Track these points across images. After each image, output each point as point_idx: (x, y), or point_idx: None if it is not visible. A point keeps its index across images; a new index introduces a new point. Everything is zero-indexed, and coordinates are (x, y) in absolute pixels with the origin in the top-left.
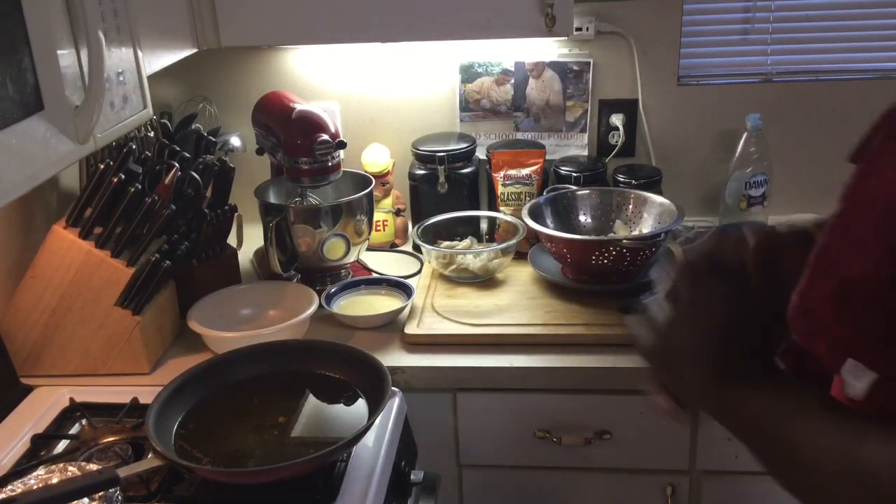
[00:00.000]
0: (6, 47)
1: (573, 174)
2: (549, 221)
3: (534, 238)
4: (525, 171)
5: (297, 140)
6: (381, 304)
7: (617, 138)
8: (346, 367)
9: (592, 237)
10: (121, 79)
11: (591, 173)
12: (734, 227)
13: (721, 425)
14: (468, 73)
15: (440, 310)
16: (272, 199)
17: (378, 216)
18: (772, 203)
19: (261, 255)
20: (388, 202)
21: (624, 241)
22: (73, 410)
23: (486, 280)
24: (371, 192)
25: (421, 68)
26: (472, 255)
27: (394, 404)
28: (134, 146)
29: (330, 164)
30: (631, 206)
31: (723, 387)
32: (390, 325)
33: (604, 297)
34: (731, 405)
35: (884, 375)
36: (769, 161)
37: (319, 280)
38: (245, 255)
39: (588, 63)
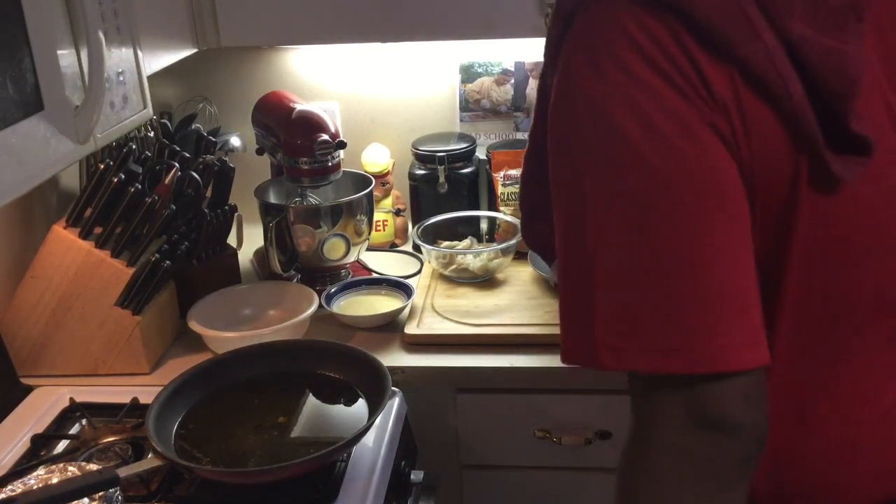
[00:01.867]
0: (6, 47)
1: None
2: None
3: None
4: None
5: (297, 140)
6: (381, 304)
7: None
8: (346, 367)
9: None
10: (121, 79)
11: None
12: None
13: None
14: (468, 73)
15: (440, 310)
16: (272, 199)
17: (378, 216)
18: None
19: (261, 255)
20: (388, 202)
21: None
22: (73, 410)
23: (486, 280)
24: (371, 192)
25: (421, 68)
26: (472, 255)
27: (394, 404)
28: (134, 146)
29: (330, 164)
30: None
31: None
32: (390, 325)
33: None
34: None
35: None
36: None
37: (319, 280)
38: (245, 255)
39: None
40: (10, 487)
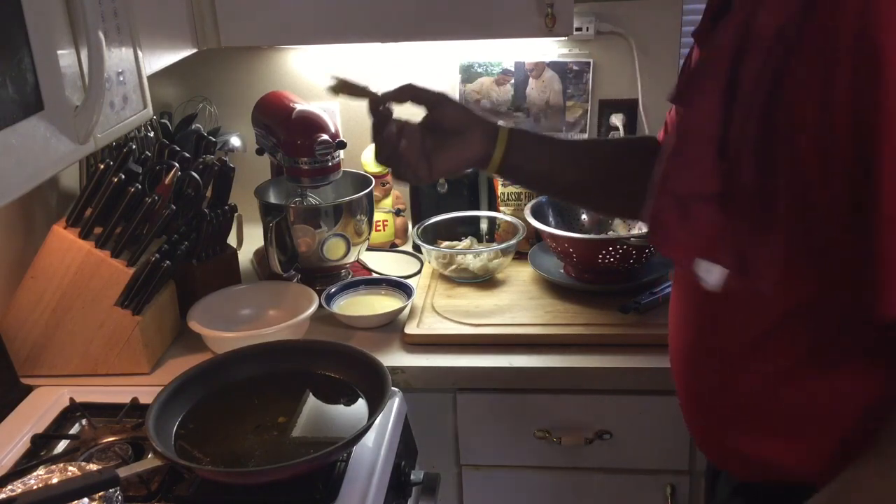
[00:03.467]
0: (6, 47)
1: None
2: (551, 221)
3: (534, 238)
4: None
5: (297, 140)
6: (381, 304)
7: None
8: (346, 367)
9: (600, 236)
10: (121, 79)
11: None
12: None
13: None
14: (468, 73)
15: (440, 310)
16: (272, 199)
17: (378, 216)
18: None
19: (261, 255)
20: (388, 202)
21: (631, 239)
22: (73, 410)
23: (486, 280)
24: (371, 192)
25: (421, 68)
26: (472, 255)
27: (394, 404)
28: (134, 146)
29: (330, 164)
30: None
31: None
32: (390, 325)
33: (604, 297)
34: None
35: (730, 267)
36: None
37: (319, 280)
38: (245, 255)
39: (588, 63)
40: (10, 487)
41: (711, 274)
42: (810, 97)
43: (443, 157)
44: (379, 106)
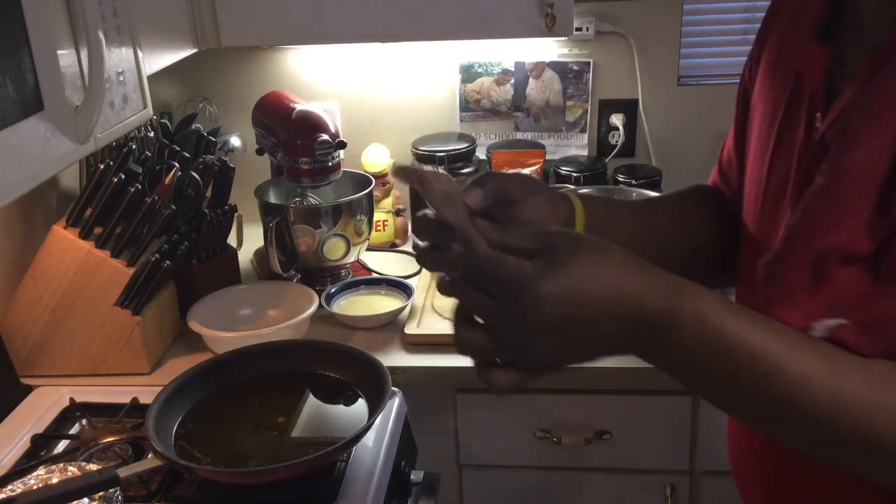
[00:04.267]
0: (6, 47)
1: (573, 174)
2: None
3: None
4: (525, 172)
5: (297, 140)
6: (380, 304)
7: (617, 138)
8: (346, 367)
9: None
10: (121, 79)
11: (591, 173)
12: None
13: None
14: (468, 73)
15: (440, 310)
16: (272, 199)
17: (378, 216)
18: None
19: (261, 255)
20: (388, 202)
21: None
22: (73, 410)
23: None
24: (371, 192)
25: (421, 68)
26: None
27: (394, 404)
28: (134, 146)
29: (330, 164)
30: None
31: (684, 297)
32: (390, 325)
33: None
34: (711, 323)
35: (853, 322)
36: None
37: (319, 280)
38: (245, 255)
39: (588, 63)
40: (10, 487)
41: (825, 325)
42: None
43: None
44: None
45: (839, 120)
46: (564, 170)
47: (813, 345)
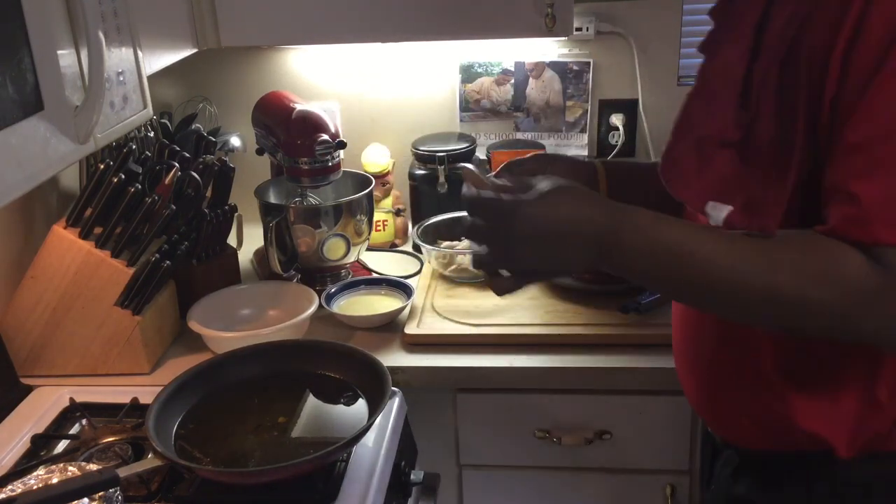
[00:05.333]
0: (6, 47)
1: None
2: None
3: None
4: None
5: (297, 140)
6: (381, 304)
7: (617, 138)
8: (346, 367)
9: None
10: (121, 79)
11: None
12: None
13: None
14: (468, 73)
15: (440, 310)
16: (272, 199)
17: (378, 216)
18: None
19: (261, 255)
20: (388, 202)
21: None
22: (73, 410)
23: (486, 280)
24: (371, 192)
25: (421, 68)
26: (473, 255)
27: (394, 404)
28: (134, 146)
29: (330, 164)
30: None
31: (626, 218)
32: (390, 325)
33: (604, 297)
34: (643, 231)
35: (736, 206)
36: None
37: (319, 280)
38: (245, 255)
39: (588, 63)
40: (10, 487)
41: (719, 213)
42: (821, 44)
43: None
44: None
45: (710, 33)
46: None
47: (716, 231)
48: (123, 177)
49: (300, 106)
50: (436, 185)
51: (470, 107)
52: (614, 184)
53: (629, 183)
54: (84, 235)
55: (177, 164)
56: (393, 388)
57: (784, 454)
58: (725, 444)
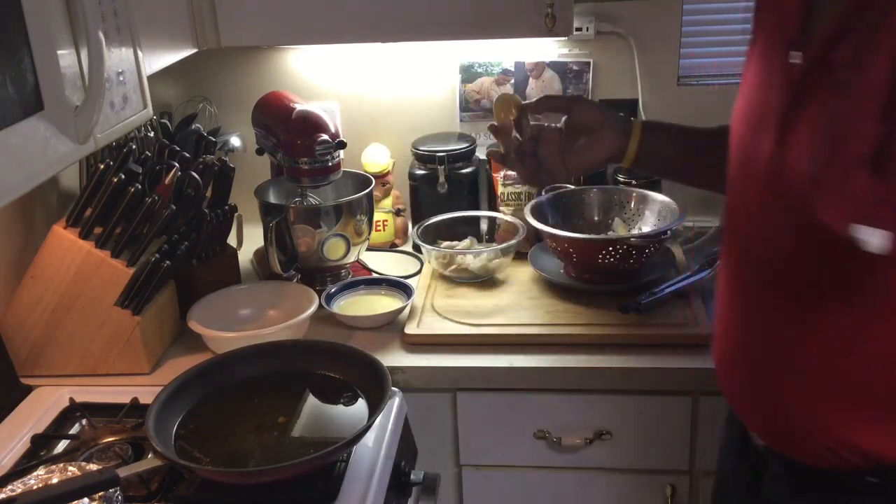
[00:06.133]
0: (6, 47)
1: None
2: (551, 221)
3: (534, 238)
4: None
5: (297, 140)
6: (381, 304)
7: None
8: (346, 367)
9: (601, 236)
10: (121, 79)
11: (590, 173)
12: None
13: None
14: (468, 73)
15: (440, 310)
16: (272, 199)
17: (378, 216)
18: None
19: (261, 255)
20: (388, 202)
21: (632, 239)
22: (73, 410)
23: (486, 280)
24: (371, 192)
25: (421, 68)
26: (472, 255)
27: (394, 404)
28: (134, 146)
29: (330, 164)
30: (632, 204)
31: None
32: (390, 325)
33: (604, 297)
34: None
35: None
36: None
37: (319, 280)
38: (245, 255)
39: (588, 63)
40: (10, 487)
41: (874, 238)
42: None
43: (581, 156)
44: (521, 122)
45: (836, 51)
46: None
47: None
48: (123, 177)
49: (300, 106)
50: (436, 185)
51: (470, 107)
52: (644, 144)
53: (658, 149)
54: (84, 235)
55: (177, 164)
56: (393, 389)
57: (846, 475)
58: (769, 452)
